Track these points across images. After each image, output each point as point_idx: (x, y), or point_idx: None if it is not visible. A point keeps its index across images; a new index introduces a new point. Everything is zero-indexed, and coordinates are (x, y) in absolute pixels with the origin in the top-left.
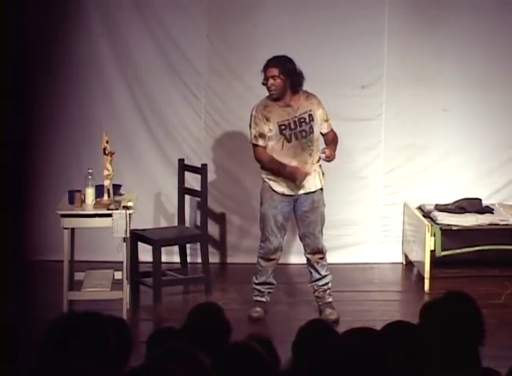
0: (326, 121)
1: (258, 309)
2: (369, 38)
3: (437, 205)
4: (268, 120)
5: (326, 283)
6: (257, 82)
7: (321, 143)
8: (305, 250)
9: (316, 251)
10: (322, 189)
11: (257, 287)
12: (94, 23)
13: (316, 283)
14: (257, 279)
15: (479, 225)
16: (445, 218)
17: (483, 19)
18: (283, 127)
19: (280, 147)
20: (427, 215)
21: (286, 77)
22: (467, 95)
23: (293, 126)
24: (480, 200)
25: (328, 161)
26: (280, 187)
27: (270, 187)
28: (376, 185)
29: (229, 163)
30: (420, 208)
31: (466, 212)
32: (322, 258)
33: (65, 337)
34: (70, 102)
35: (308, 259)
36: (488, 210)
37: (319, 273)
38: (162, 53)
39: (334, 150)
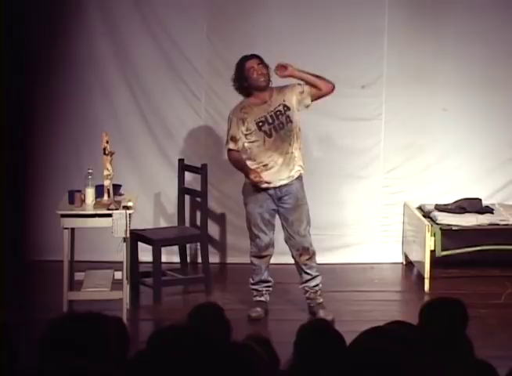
0: (302, 91)
1: (258, 308)
2: (369, 38)
3: (437, 205)
4: (244, 121)
5: (317, 285)
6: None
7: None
8: (291, 251)
9: (302, 252)
10: (302, 187)
11: (255, 286)
12: (94, 23)
13: (307, 284)
14: (253, 279)
15: (479, 225)
16: (445, 218)
17: (483, 18)
18: (260, 123)
19: (262, 143)
20: (427, 215)
21: (267, 67)
22: (467, 95)
23: (270, 120)
24: (480, 200)
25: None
26: (265, 183)
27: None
28: (376, 185)
29: (229, 163)
30: (420, 208)
31: (466, 212)
32: (309, 260)
33: (65, 337)
34: (70, 102)
35: (295, 261)
36: (488, 210)
37: (309, 274)
38: (162, 53)
39: (299, 71)
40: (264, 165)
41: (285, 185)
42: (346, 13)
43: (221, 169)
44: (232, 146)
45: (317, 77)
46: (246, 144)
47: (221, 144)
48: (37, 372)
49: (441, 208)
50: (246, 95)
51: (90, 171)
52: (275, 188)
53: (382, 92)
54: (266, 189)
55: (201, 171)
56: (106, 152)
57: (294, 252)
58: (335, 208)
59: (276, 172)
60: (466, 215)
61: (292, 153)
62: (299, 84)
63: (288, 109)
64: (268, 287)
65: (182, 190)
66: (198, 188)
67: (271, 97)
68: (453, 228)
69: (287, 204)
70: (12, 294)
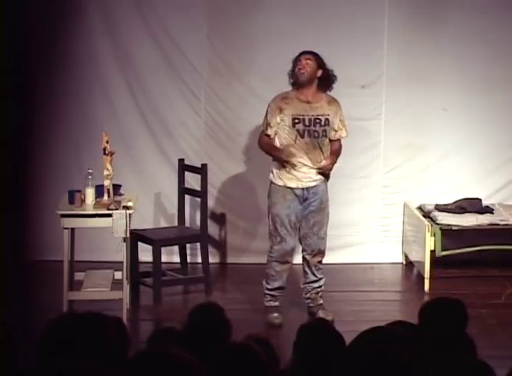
0: (336, 131)
1: (276, 314)
2: (369, 38)
3: (437, 205)
4: (281, 111)
5: (320, 286)
6: (258, 82)
7: None
8: (305, 250)
9: (317, 253)
10: (327, 189)
11: (271, 292)
12: (94, 23)
13: (311, 285)
14: (269, 284)
15: (479, 225)
16: (445, 218)
17: (483, 18)
18: (296, 120)
19: (293, 140)
20: (427, 215)
21: (318, 65)
22: (467, 94)
23: (307, 123)
24: (480, 200)
25: (322, 172)
26: (295, 181)
27: (284, 185)
28: (376, 185)
29: (229, 163)
30: (420, 208)
31: (466, 212)
32: (320, 262)
33: (65, 337)
34: (70, 102)
35: (306, 260)
36: (488, 210)
37: (315, 276)
38: (162, 53)
39: (333, 161)
40: (292, 164)
41: (313, 186)
42: (346, 14)
43: (221, 169)
44: (269, 131)
45: (336, 154)
46: (277, 140)
47: (221, 144)
48: (37, 372)
49: (441, 208)
50: (293, 88)
51: (90, 171)
52: (302, 189)
53: (382, 92)
54: (293, 189)
55: (201, 171)
56: (106, 152)
57: (309, 251)
58: (335, 208)
59: (305, 173)
60: (466, 215)
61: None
62: (341, 120)
63: (327, 124)
64: (283, 292)
65: (182, 190)
66: (198, 188)
67: (318, 102)
68: (453, 228)
69: (312, 206)
70: (12, 294)
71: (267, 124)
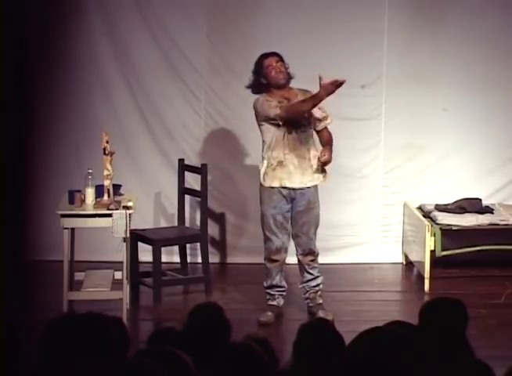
0: (321, 120)
1: (269, 313)
2: (369, 38)
3: (437, 205)
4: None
5: (318, 285)
6: None
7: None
8: (297, 250)
9: (308, 252)
10: (316, 191)
11: (267, 290)
12: (94, 23)
13: (308, 284)
14: (266, 282)
15: (479, 225)
16: (445, 218)
17: (483, 19)
18: None
19: (282, 137)
20: (427, 215)
21: (285, 65)
22: (467, 94)
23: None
24: (480, 200)
25: (324, 165)
26: (278, 181)
27: (270, 186)
28: (376, 185)
29: (229, 163)
30: (420, 208)
31: (466, 212)
32: (313, 261)
33: (65, 337)
34: (70, 102)
35: (299, 260)
36: (488, 210)
37: (311, 274)
38: (162, 53)
39: (331, 153)
40: (279, 162)
41: (297, 188)
42: (346, 14)
43: (221, 169)
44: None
45: (331, 144)
46: (270, 132)
47: (221, 144)
48: (37, 372)
49: (441, 208)
50: (262, 92)
51: (90, 171)
52: (288, 189)
53: (382, 92)
54: (280, 190)
55: (201, 171)
56: (106, 152)
57: (300, 251)
58: (335, 208)
59: (290, 173)
60: (466, 215)
61: (309, 160)
62: (320, 107)
63: (311, 115)
64: (282, 291)
65: (182, 190)
66: (198, 188)
67: (295, 96)
68: (453, 228)
69: (299, 207)
70: (12, 294)
71: (269, 113)
